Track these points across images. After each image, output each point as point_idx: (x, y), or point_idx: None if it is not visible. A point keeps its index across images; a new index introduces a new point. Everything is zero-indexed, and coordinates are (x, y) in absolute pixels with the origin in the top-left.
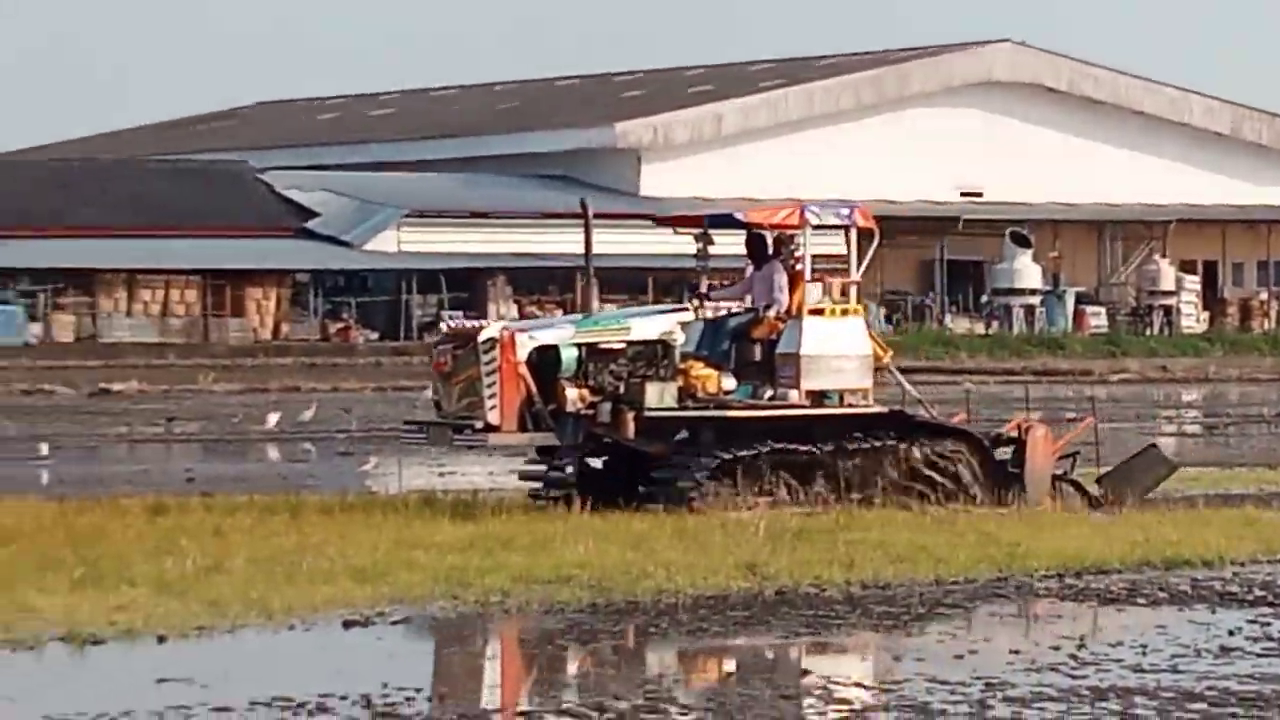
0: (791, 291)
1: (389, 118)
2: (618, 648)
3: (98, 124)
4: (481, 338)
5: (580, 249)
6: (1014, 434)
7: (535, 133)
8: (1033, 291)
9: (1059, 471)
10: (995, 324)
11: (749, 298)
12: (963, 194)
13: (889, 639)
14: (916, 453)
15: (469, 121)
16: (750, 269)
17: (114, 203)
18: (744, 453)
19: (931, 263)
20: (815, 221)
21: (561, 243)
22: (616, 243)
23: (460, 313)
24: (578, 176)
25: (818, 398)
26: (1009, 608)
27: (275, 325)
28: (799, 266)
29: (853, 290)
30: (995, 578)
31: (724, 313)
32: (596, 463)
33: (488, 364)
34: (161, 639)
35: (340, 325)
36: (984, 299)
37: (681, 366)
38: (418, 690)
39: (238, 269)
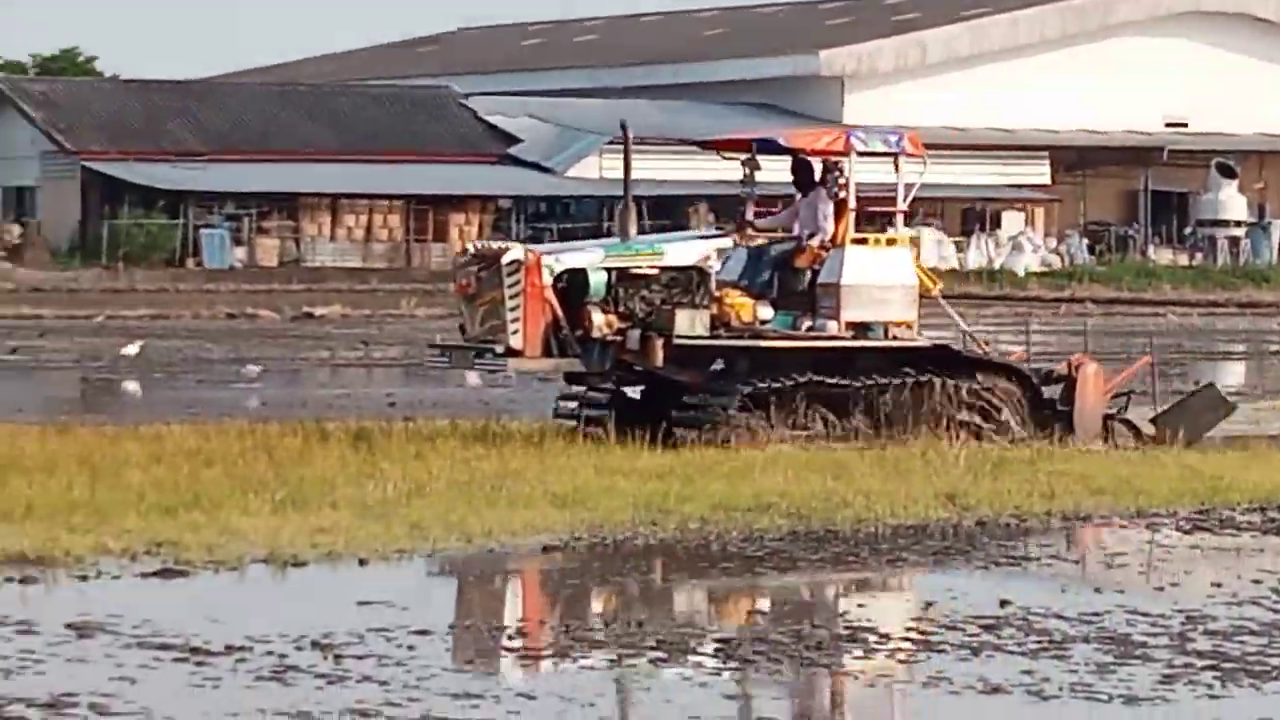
0: (838, 220)
1: (593, 44)
2: (815, 576)
3: (303, 49)
4: (505, 260)
5: (785, 174)
6: (1064, 371)
7: (740, 60)
8: (1237, 223)
9: (1111, 411)
10: (1199, 256)
11: (795, 226)
12: (1168, 124)
13: (1088, 571)
14: (959, 388)
15: (673, 48)
16: (798, 196)
17: (319, 128)
18: (776, 384)
19: (1136, 193)
20: (861, 147)
21: (764, 171)
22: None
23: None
24: (781, 104)
25: (861, 330)
26: (1210, 540)
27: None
28: (842, 194)
29: (898, 219)
30: (1197, 510)
31: (767, 241)
32: (635, 392)
33: (511, 287)
34: (363, 562)
35: None
36: (1188, 230)
37: (717, 294)
38: (616, 615)
39: (441, 194)
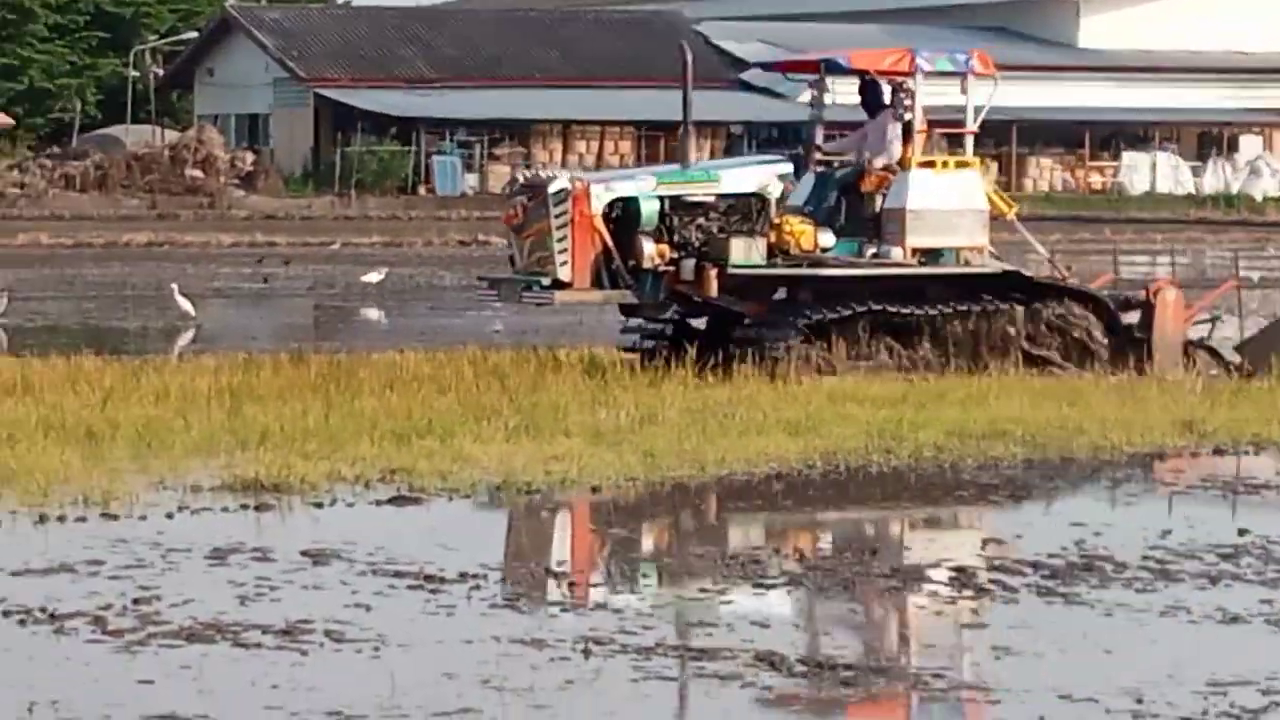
0: (906, 143)
1: None
2: (1049, 504)
3: None
4: (552, 189)
5: (1018, 101)
6: (1143, 297)
7: None
8: None
9: (1193, 338)
10: None
11: (863, 150)
12: None
13: None
14: (1031, 315)
15: None
16: (866, 119)
17: (550, 54)
18: (835, 314)
19: None
20: (927, 68)
21: (998, 95)
22: (1052, 96)
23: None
24: (1013, 28)
25: (932, 256)
26: None
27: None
28: (908, 116)
29: (969, 141)
30: None
31: (834, 166)
32: (700, 323)
33: (559, 217)
34: (595, 489)
35: None
36: None
37: (776, 221)
38: (850, 545)
39: (671, 120)
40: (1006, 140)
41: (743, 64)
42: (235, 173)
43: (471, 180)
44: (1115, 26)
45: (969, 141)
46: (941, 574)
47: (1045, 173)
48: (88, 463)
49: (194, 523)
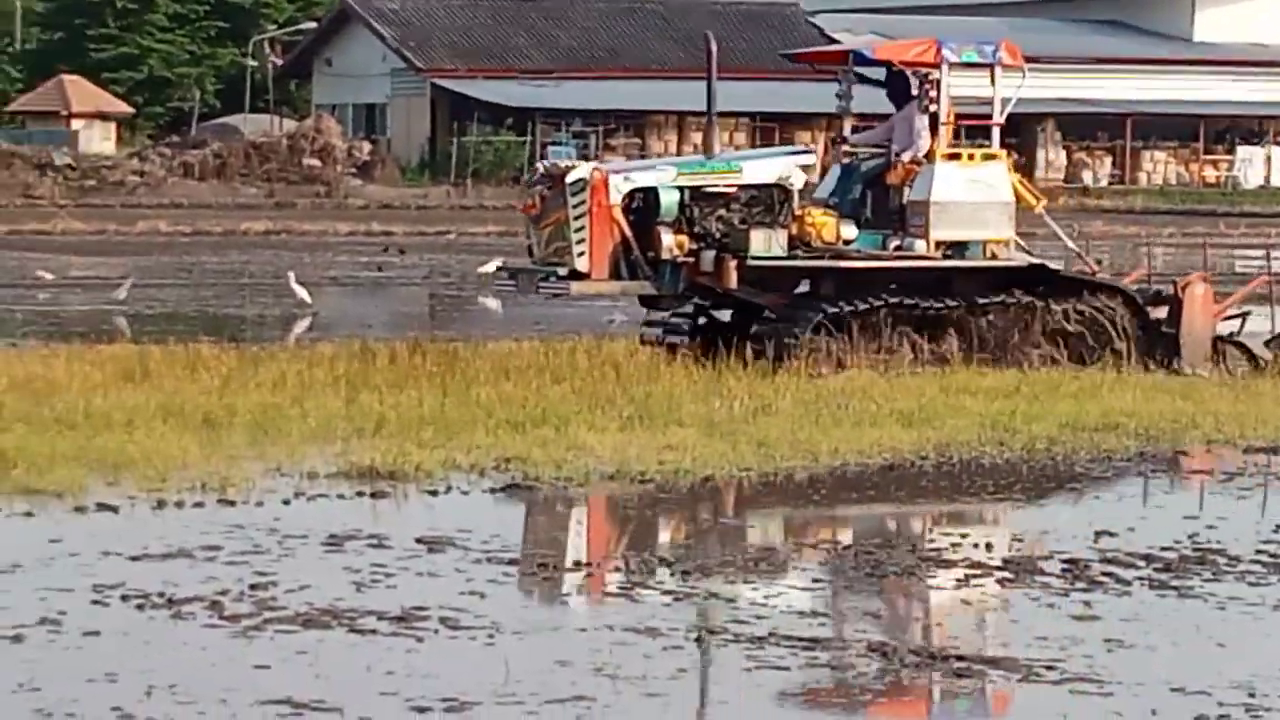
0: (933, 134)
1: None
2: (1163, 497)
3: None
4: (570, 179)
5: (1132, 94)
6: (1171, 292)
7: None
8: None
9: (1224, 333)
10: None
11: (891, 142)
12: None
13: None
14: (1059, 309)
15: None
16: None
17: (666, 45)
18: (854, 306)
19: None
20: (953, 59)
21: (1112, 88)
22: (1167, 89)
23: None
24: (1129, 21)
25: (959, 249)
26: None
27: (822, 167)
28: (933, 108)
29: (995, 133)
30: None
31: (860, 157)
32: (725, 315)
33: (577, 207)
34: (708, 479)
35: None
36: None
37: (798, 213)
38: (963, 536)
39: (786, 112)
40: (1121, 134)
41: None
42: (352, 162)
43: None
44: (1230, 19)
45: (995, 134)
46: (1054, 566)
47: (1159, 166)
48: (205, 449)
49: (310, 509)
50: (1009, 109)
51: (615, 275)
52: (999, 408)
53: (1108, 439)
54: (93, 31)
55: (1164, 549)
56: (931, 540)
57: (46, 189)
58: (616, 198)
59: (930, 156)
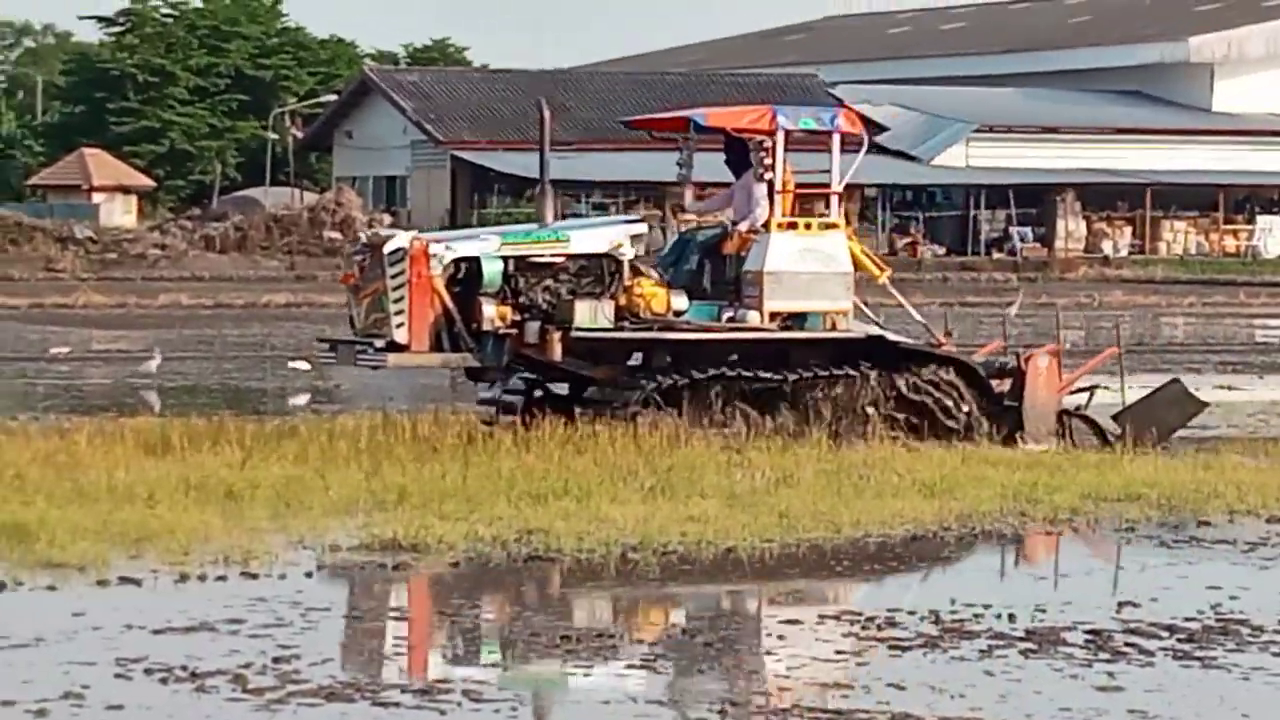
0: (772, 203)
1: (959, 31)
2: (1185, 568)
3: (672, 38)
4: (388, 249)
5: (1152, 164)
6: (1014, 364)
7: (1107, 47)
8: None
9: (1071, 406)
10: None
11: (730, 211)
12: None
13: None
14: (895, 381)
15: (1039, 35)
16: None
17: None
18: (684, 378)
19: None
20: (788, 126)
21: (1132, 159)
22: (1187, 159)
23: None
24: (1148, 91)
25: (799, 320)
26: None
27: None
28: (769, 176)
29: (834, 201)
30: None
31: (697, 227)
32: (563, 388)
33: (395, 277)
34: (730, 550)
35: (907, 240)
36: None
37: (628, 284)
38: (985, 607)
39: (806, 183)
40: (1141, 203)
41: (878, 127)
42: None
43: None
44: (1249, 90)
45: (834, 202)
46: (1077, 636)
47: (1180, 236)
48: (228, 522)
49: (333, 582)
50: (848, 176)
51: (437, 347)
52: (1021, 478)
53: (1129, 509)
54: (114, 105)
55: (1187, 619)
56: (954, 611)
57: (68, 262)
58: (437, 268)
59: (768, 226)
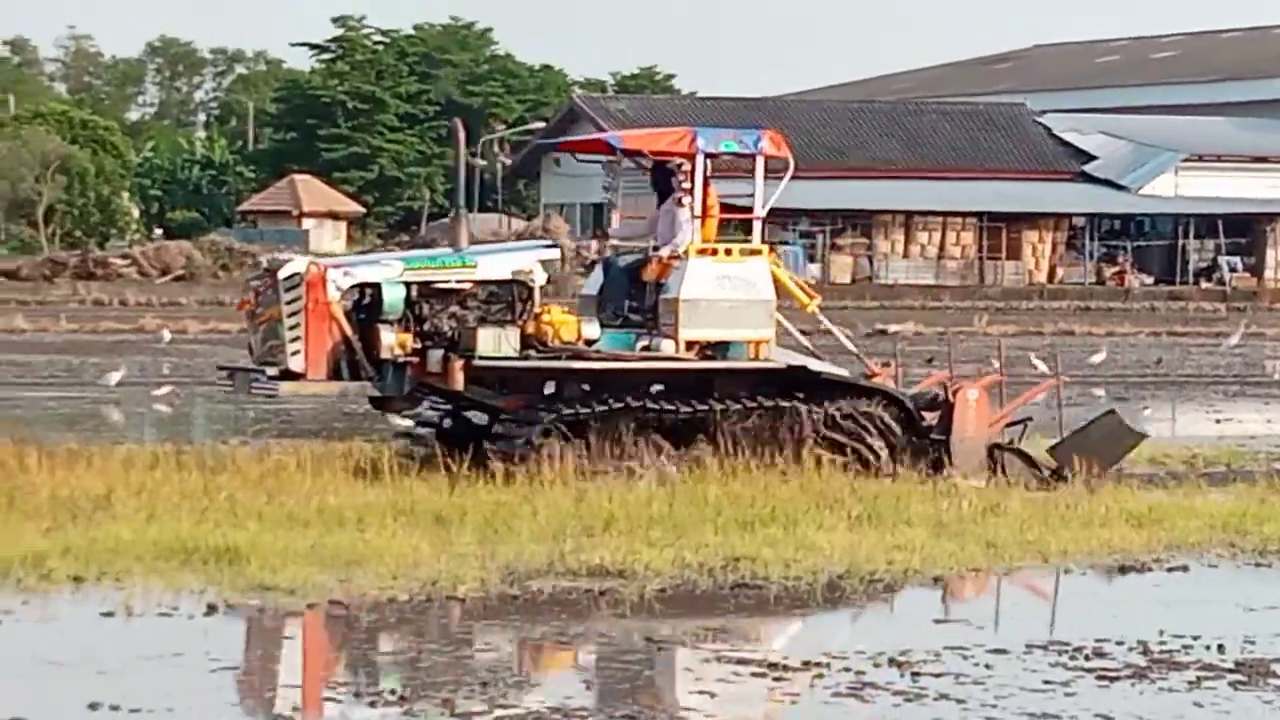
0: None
1: (1169, 60)
2: None
3: (880, 67)
4: (282, 274)
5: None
6: (941, 395)
7: None
8: None
9: (1002, 440)
10: None
11: (655, 236)
12: None
13: None
14: (816, 413)
15: (1250, 64)
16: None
17: (893, 144)
18: (590, 409)
19: None
20: (709, 149)
21: None
22: None
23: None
24: None
25: (721, 349)
26: None
27: (1050, 268)
28: (684, 200)
29: (756, 227)
30: None
31: (617, 253)
32: (483, 418)
33: (290, 303)
34: (937, 579)
35: (1115, 269)
36: None
37: (537, 311)
38: (1194, 638)
39: (1014, 212)
40: None
41: (1086, 156)
42: (580, 261)
43: (814, 270)
44: None
45: (756, 228)
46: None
47: None
48: (436, 547)
49: (538, 608)
50: (773, 200)
51: (336, 375)
52: (1230, 509)
53: None
54: (324, 131)
55: None
56: (1162, 642)
57: None
58: (335, 294)
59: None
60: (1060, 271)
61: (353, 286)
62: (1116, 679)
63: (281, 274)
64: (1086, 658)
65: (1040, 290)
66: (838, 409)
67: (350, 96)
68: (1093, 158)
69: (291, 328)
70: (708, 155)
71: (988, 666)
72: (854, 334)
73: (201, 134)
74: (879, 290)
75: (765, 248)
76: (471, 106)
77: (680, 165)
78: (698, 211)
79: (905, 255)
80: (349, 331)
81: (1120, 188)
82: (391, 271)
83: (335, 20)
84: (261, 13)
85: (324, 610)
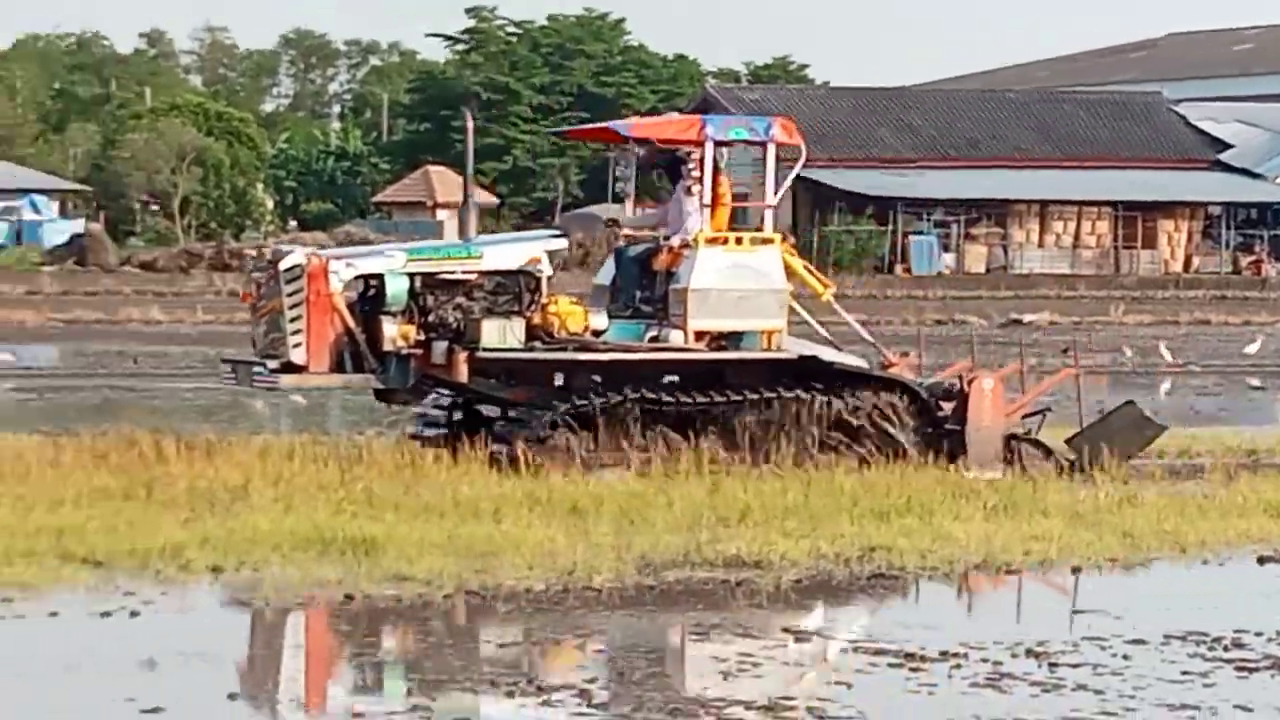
0: (714, 215)
1: None
2: None
3: (1013, 56)
4: (283, 265)
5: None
6: (957, 385)
7: None
8: None
9: (1020, 430)
10: None
11: (666, 226)
12: None
13: None
14: (830, 404)
15: None
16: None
17: (1028, 134)
18: (597, 401)
19: None
20: (717, 136)
21: None
22: None
23: None
24: None
25: (733, 339)
26: None
27: (1185, 257)
28: (694, 188)
29: (768, 216)
30: None
31: (628, 242)
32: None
33: (291, 295)
34: (1076, 569)
35: (1251, 258)
36: None
37: (544, 302)
38: None
39: (1149, 201)
40: None
41: (1222, 145)
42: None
43: (948, 260)
44: None
45: (768, 216)
46: None
47: None
48: (572, 537)
49: (671, 599)
50: (784, 189)
51: (338, 368)
52: None
53: None
54: (458, 122)
55: None
56: None
57: None
58: (337, 285)
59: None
60: (1196, 261)
61: (355, 278)
62: (1256, 670)
63: (282, 265)
64: (1225, 649)
65: (1176, 280)
66: (851, 399)
67: (484, 87)
68: (1228, 146)
69: (293, 320)
70: (718, 143)
71: (1125, 657)
72: (989, 324)
73: (336, 125)
74: (1013, 280)
75: (778, 236)
76: (605, 97)
77: (689, 153)
78: (707, 200)
79: (1040, 245)
80: (351, 323)
81: (1257, 176)
82: (394, 262)
83: (469, 11)
84: (395, 4)
85: (461, 600)
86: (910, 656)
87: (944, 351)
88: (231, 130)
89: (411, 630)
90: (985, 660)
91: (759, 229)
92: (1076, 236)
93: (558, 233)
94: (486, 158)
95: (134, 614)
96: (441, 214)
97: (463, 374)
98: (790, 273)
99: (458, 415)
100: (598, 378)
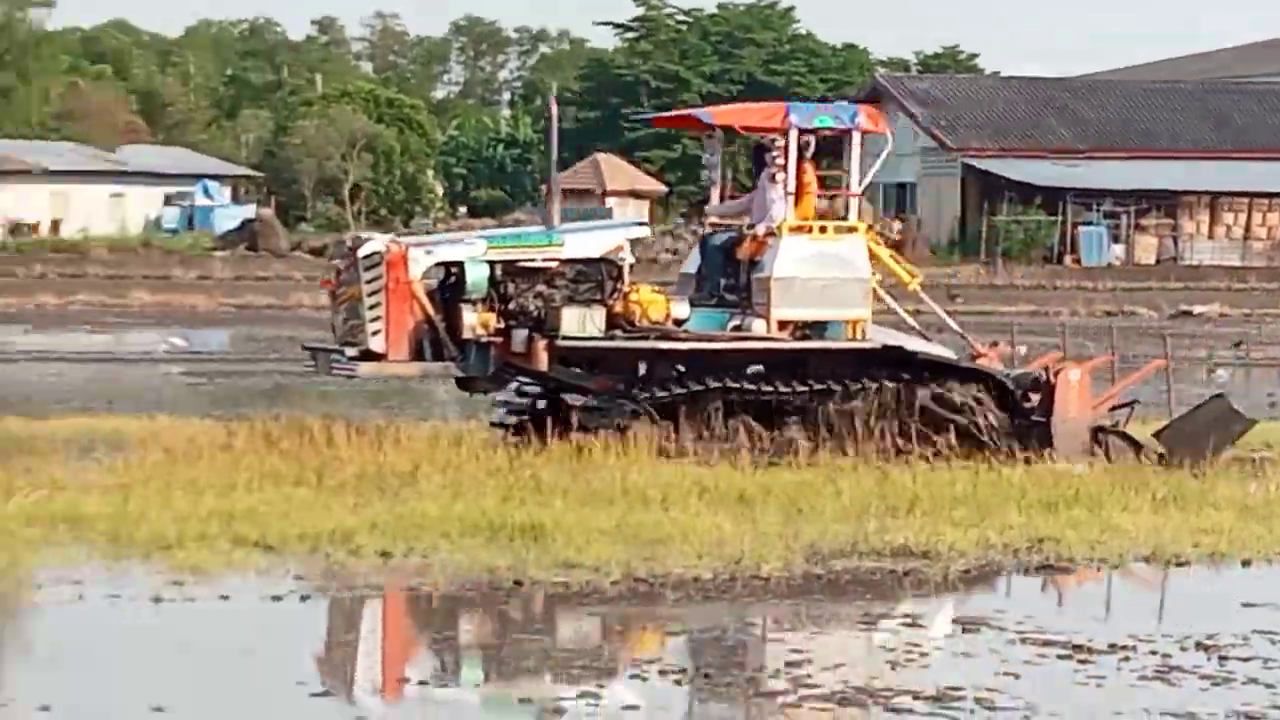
0: (798, 203)
1: None
2: None
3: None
4: (362, 252)
5: None
6: (1044, 377)
7: None
8: None
9: (1107, 422)
10: None
11: (751, 214)
12: None
13: None
14: (915, 394)
15: None
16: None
17: (1199, 125)
18: (682, 390)
19: None
20: (802, 124)
21: None
22: None
23: None
24: None
25: (818, 329)
26: None
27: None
28: (778, 176)
29: (853, 204)
30: None
31: (714, 230)
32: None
33: (370, 282)
34: (1246, 563)
35: None
36: None
37: (625, 290)
38: None
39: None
40: None
41: None
42: (883, 240)
43: (1118, 251)
44: None
45: (853, 205)
46: None
47: None
48: (740, 526)
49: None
50: (869, 177)
51: (418, 355)
52: None
53: None
54: (627, 110)
55: None
56: None
57: None
58: (417, 272)
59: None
60: None
61: (435, 265)
62: None
63: (361, 252)
64: None
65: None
66: (937, 390)
67: (653, 76)
68: None
69: (372, 307)
70: (802, 131)
71: None
72: (1159, 315)
73: (506, 113)
74: (1183, 271)
75: (863, 225)
76: (774, 86)
77: (774, 141)
78: (791, 188)
79: (1210, 236)
80: (431, 311)
81: None
82: (475, 250)
83: (638, 0)
84: None
85: (626, 588)
86: (1078, 648)
87: (1124, 344)
88: (402, 117)
89: (576, 616)
90: (1154, 653)
91: (844, 217)
92: (1247, 228)
93: (640, 222)
94: (655, 146)
95: (304, 598)
96: (611, 201)
97: (542, 362)
98: (876, 261)
99: (541, 404)
100: (680, 367)
